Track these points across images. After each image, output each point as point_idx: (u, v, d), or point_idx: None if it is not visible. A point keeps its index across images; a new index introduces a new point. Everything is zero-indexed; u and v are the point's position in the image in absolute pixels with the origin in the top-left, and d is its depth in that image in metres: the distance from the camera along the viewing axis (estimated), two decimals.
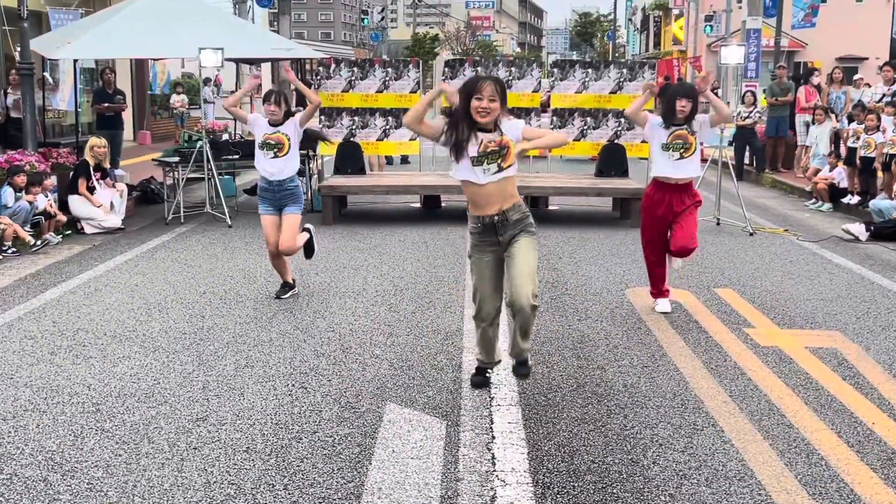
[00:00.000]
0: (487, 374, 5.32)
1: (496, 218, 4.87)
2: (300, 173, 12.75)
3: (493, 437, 4.55)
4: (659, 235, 7.03)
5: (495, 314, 5.07)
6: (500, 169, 4.81)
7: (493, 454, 4.35)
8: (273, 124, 7.20)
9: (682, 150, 6.79)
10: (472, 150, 4.78)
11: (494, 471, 4.16)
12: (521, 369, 5.11)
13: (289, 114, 7.32)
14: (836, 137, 14.34)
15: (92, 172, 10.88)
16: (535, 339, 6.28)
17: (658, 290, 7.21)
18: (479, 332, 5.14)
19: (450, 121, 4.84)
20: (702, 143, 7.57)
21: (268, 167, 7.19)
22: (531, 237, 4.95)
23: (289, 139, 7.18)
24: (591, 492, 3.98)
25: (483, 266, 5.01)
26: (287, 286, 7.51)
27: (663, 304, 7.15)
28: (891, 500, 3.93)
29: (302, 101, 13.02)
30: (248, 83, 8.38)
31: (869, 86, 16.73)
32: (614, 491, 3.99)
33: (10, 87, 12.52)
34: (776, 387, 5.39)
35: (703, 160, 9.92)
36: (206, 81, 21.91)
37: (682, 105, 6.75)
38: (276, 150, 7.16)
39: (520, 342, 5.02)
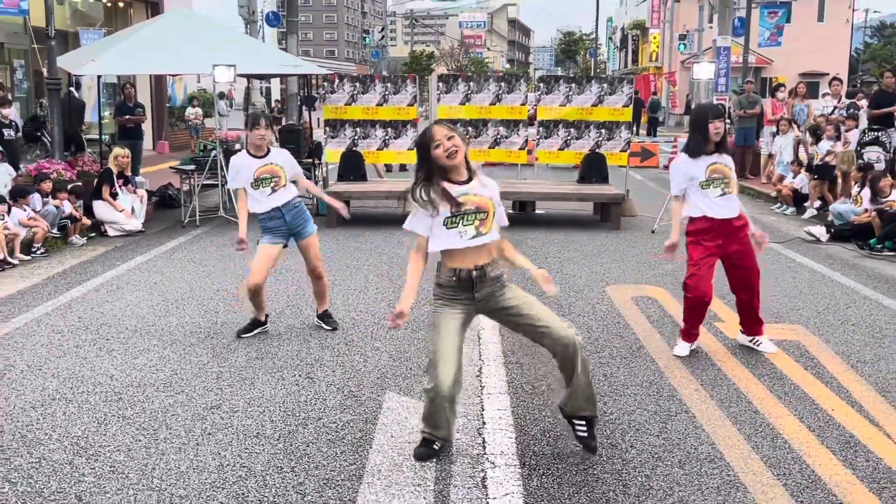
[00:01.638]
0: (435, 446, 4.15)
1: (474, 273, 4.02)
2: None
3: (484, 423, 4.56)
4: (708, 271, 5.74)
5: (454, 385, 3.97)
6: (479, 234, 3.99)
7: (483, 438, 4.36)
8: (258, 156, 6.07)
9: (723, 186, 5.59)
10: (444, 210, 3.95)
11: (485, 454, 4.17)
12: (590, 441, 4.17)
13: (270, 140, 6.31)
14: (799, 146, 14.39)
15: (115, 179, 10.87)
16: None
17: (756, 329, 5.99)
18: (432, 407, 4.01)
19: (418, 185, 4.00)
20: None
21: (270, 202, 6.06)
22: (512, 287, 4.19)
23: (283, 169, 6.11)
24: (574, 473, 3.99)
25: (450, 320, 4.05)
26: (256, 323, 6.27)
27: (767, 345, 5.97)
28: (848, 480, 3.94)
29: (289, 140, 12.87)
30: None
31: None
32: (595, 472, 4.00)
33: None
34: (743, 376, 5.40)
35: None
36: (221, 96, 21.91)
37: (717, 127, 5.54)
38: (273, 183, 6.04)
39: (582, 386, 4.10)
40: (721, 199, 5.59)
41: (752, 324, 5.96)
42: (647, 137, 29.11)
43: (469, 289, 4.03)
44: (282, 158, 6.18)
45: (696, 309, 5.73)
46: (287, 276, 8.13)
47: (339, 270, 8.55)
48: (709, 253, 5.68)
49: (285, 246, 6.25)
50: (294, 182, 6.29)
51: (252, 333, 6.20)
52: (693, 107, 6.27)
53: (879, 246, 9.74)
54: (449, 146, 3.89)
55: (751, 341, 5.97)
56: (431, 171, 3.96)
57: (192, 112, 23.22)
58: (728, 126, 17.17)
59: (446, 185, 3.96)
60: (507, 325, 4.24)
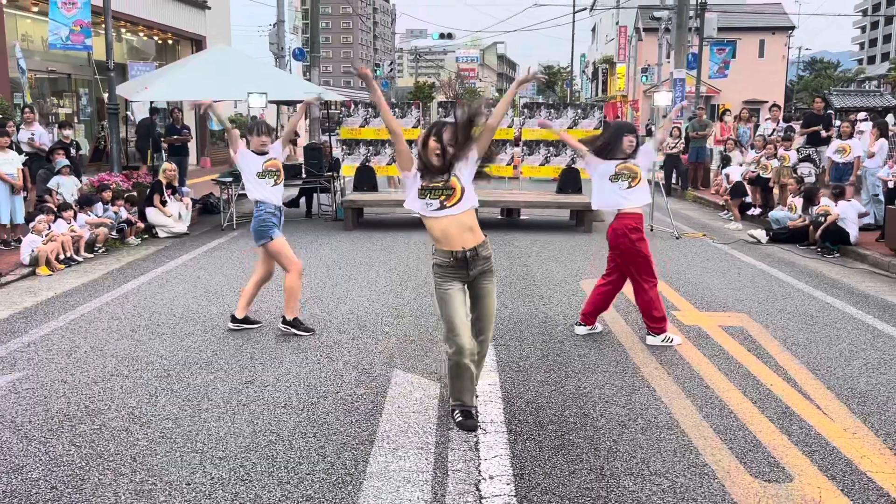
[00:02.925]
0: (475, 413, 4.16)
1: (467, 254, 4.01)
2: (325, 190, 12.84)
3: (477, 395, 4.54)
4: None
5: (472, 344, 4.01)
6: (443, 206, 3.98)
7: (476, 408, 4.34)
8: (262, 153, 5.84)
9: (630, 180, 5.58)
10: (418, 183, 4.05)
11: (478, 422, 4.16)
12: (468, 422, 4.07)
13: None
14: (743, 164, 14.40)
15: (164, 189, 10.85)
16: (510, 318, 6.29)
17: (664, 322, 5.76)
18: (457, 372, 4.01)
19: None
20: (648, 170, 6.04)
21: (274, 195, 5.85)
22: (494, 278, 4.17)
23: (280, 162, 5.95)
24: (553, 438, 3.98)
25: (454, 295, 4.03)
26: (297, 323, 5.88)
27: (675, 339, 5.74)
28: (784, 445, 3.94)
29: (312, 157, 12.88)
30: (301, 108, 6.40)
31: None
32: (570, 437, 3.99)
33: (23, 125, 11.20)
34: (696, 356, 5.40)
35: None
36: (253, 119, 21.86)
37: (630, 140, 5.62)
38: (276, 177, 5.85)
39: (469, 387, 4.09)
40: (628, 191, 5.57)
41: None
42: None
43: (465, 267, 4.05)
44: (276, 152, 5.91)
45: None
46: (309, 270, 8.11)
47: (353, 266, 8.54)
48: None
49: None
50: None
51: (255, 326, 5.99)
52: (612, 124, 6.25)
53: (814, 247, 9.77)
54: (435, 147, 3.98)
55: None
56: (423, 150, 4.05)
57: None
58: (682, 146, 17.23)
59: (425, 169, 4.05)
60: (470, 299, 4.20)
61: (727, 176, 13.92)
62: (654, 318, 5.68)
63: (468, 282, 4.12)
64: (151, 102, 13.51)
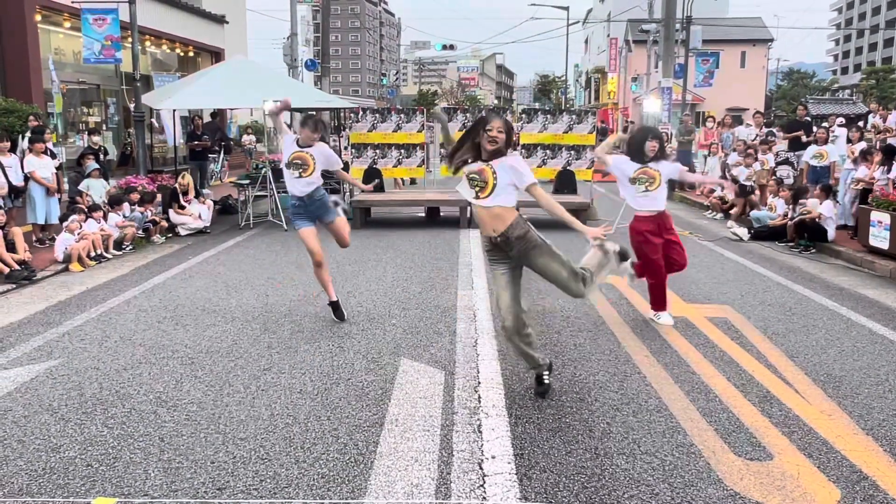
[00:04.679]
0: (546, 380, 4.33)
1: (498, 238, 4.08)
2: (335, 191, 12.85)
3: (480, 383, 4.56)
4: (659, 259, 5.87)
5: (516, 324, 4.12)
6: (477, 197, 4.04)
7: (479, 395, 4.36)
8: (302, 146, 5.72)
9: (647, 184, 5.67)
10: (467, 169, 4.11)
11: (480, 406, 4.17)
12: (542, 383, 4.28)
13: (322, 138, 5.95)
14: (725, 166, 14.38)
15: (179, 196, 10.90)
16: None
17: (661, 305, 5.98)
18: (511, 346, 4.33)
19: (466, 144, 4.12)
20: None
21: (297, 186, 5.70)
22: (540, 251, 4.14)
23: (314, 160, 5.69)
24: (551, 420, 3.99)
25: (498, 278, 4.17)
26: (336, 308, 5.98)
27: (666, 318, 5.95)
28: (765, 425, 3.95)
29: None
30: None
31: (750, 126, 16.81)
32: (567, 420, 4.01)
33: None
34: (683, 345, 5.41)
35: None
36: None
37: (653, 145, 5.66)
38: (301, 169, 5.66)
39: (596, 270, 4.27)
40: (643, 195, 5.71)
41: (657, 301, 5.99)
42: None
43: (501, 249, 4.12)
44: (317, 150, 5.73)
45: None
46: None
47: (362, 262, 8.55)
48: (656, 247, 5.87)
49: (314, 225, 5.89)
50: (331, 173, 6.22)
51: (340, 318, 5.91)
52: (639, 128, 6.41)
53: (793, 245, 9.76)
54: (494, 135, 3.98)
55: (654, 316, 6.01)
56: (473, 141, 4.05)
57: (248, 139, 23.15)
58: (670, 150, 17.26)
59: (471, 160, 4.08)
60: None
61: (735, 178, 13.76)
62: (652, 300, 6.00)
63: (516, 263, 4.16)
64: (213, 115, 13.44)
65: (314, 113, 8.53)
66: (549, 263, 4.13)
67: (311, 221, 5.84)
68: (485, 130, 4.00)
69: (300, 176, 5.70)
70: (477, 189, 4.05)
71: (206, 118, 16.25)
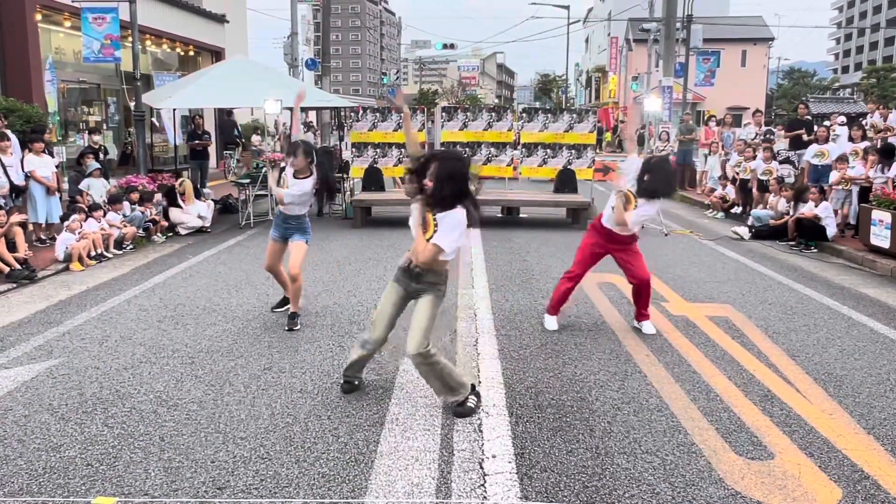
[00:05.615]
0: (355, 382, 4.34)
1: (416, 269, 3.97)
2: (334, 191, 12.83)
3: (480, 381, 4.56)
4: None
5: (383, 337, 4.13)
6: (425, 230, 3.87)
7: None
8: (297, 178, 5.67)
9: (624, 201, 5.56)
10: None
11: (481, 405, 4.17)
12: (456, 409, 4.02)
13: (312, 162, 5.69)
14: (725, 165, 14.38)
15: (177, 197, 10.90)
16: (511, 310, 6.30)
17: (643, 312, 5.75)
18: (362, 351, 4.17)
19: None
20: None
21: (284, 201, 5.70)
22: (436, 295, 4.00)
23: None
24: (552, 420, 3.99)
25: (391, 293, 4.11)
26: (284, 302, 6.06)
27: (647, 327, 5.71)
28: (766, 424, 3.94)
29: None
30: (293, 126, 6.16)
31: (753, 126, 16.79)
32: (568, 419, 4.00)
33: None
34: (684, 344, 5.40)
35: None
36: (275, 125, 21.87)
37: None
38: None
39: (435, 390, 4.05)
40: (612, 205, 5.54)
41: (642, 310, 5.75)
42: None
43: (409, 277, 4.02)
44: (309, 185, 5.67)
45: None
46: (320, 265, 8.13)
47: (362, 262, 8.55)
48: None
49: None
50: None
51: (294, 322, 5.75)
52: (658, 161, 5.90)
53: (793, 244, 9.75)
54: (426, 183, 3.76)
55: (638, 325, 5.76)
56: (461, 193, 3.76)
57: (257, 139, 23.15)
58: (671, 149, 17.22)
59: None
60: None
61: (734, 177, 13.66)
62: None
63: (413, 293, 4.04)
64: (228, 114, 13.41)
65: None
66: (426, 308, 3.95)
67: (281, 238, 5.84)
68: (471, 181, 3.78)
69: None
70: (422, 225, 3.87)
71: (210, 117, 16.27)
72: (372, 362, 4.92)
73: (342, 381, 4.42)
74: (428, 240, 3.84)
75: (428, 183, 3.76)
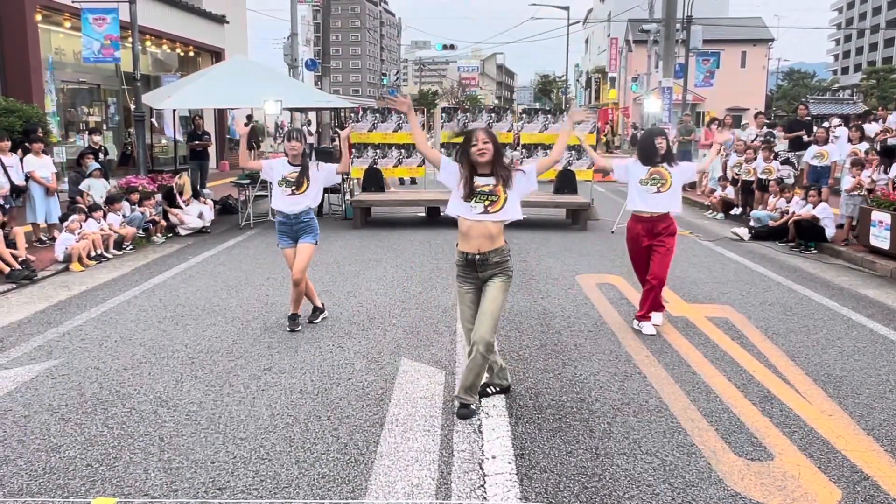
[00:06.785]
0: (472, 406, 4.04)
1: (477, 257, 3.98)
2: (335, 190, 12.85)
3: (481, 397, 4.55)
4: (642, 264, 5.82)
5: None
6: (486, 212, 3.93)
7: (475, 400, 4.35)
8: (293, 164, 5.63)
9: (659, 185, 5.58)
10: (465, 188, 3.97)
11: (481, 406, 4.17)
12: (461, 410, 4.00)
13: (305, 153, 5.72)
14: (725, 166, 14.38)
15: (175, 196, 10.90)
16: (511, 311, 6.30)
17: (642, 314, 5.76)
18: (479, 359, 3.96)
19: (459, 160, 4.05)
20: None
21: (286, 204, 5.60)
22: (505, 280, 4.03)
23: (308, 179, 5.62)
24: (551, 421, 3.99)
25: (464, 295, 4.09)
26: (317, 311, 6.00)
27: (647, 327, 5.70)
28: (766, 425, 3.94)
29: (323, 160, 12.88)
30: (243, 133, 6.04)
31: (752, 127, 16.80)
32: (567, 420, 4.00)
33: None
34: (684, 345, 5.40)
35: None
36: (276, 125, 21.87)
37: (660, 142, 5.63)
38: (294, 187, 5.56)
39: (465, 381, 4.00)
40: (656, 196, 5.58)
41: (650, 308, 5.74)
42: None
43: (473, 269, 4.02)
44: (311, 170, 5.64)
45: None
46: (320, 266, 8.13)
47: (362, 262, 8.55)
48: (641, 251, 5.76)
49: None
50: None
51: (319, 319, 5.87)
52: (644, 132, 6.27)
53: (793, 245, 9.75)
54: (481, 147, 3.88)
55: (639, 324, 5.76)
56: (466, 159, 3.95)
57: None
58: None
59: (470, 175, 3.95)
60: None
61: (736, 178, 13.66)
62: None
63: (481, 283, 4.04)
64: (248, 116, 13.38)
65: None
66: (497, 294, 3.97)
67: (293, 241, 5.72)
68: (471, 146, 3.91)
69: (293, 193, 5.58)
70: (487, 203, 3.93)
71: (211, 117, 16.26)
72: (372, 362, 4.92)
73: (485, 391, 4.23)
74: (500, 209, 3.93)
75: (483, 146, 3.87)
